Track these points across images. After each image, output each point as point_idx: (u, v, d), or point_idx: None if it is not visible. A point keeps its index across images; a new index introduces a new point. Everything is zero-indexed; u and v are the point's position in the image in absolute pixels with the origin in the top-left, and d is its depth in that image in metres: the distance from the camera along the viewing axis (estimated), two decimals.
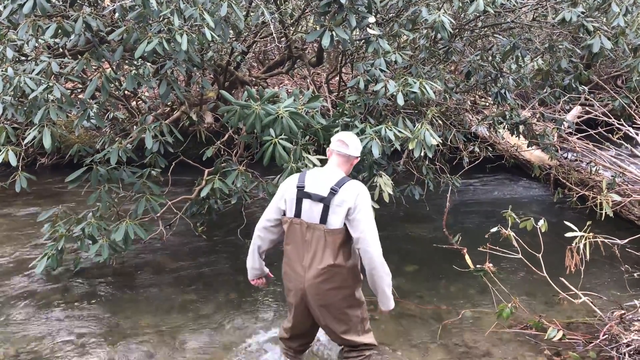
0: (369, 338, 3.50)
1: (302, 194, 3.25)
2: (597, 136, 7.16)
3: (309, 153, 4.23)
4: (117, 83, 5.03)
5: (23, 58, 4.49)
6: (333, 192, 3.18)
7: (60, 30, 3.90)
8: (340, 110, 4.71)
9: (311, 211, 3.23)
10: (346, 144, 3.33)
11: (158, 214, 4.99)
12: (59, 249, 4.76)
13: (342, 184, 3.20)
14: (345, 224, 3.19)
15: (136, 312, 4.51)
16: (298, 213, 3.26)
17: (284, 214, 3.33)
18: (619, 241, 4.11)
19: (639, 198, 5.79)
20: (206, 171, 5.24)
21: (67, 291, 4.82)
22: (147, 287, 4.95)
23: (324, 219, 3.20)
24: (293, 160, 4.05)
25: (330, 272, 3.22)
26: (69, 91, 4.57)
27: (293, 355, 3.68)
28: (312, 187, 3.24)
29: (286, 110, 3.75)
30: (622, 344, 3.88)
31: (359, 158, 3.49)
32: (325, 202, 3.18)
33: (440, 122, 5.61)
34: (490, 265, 4.15)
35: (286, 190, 3.32)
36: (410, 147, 4.33)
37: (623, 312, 4.20)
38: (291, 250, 3.34)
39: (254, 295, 4.82)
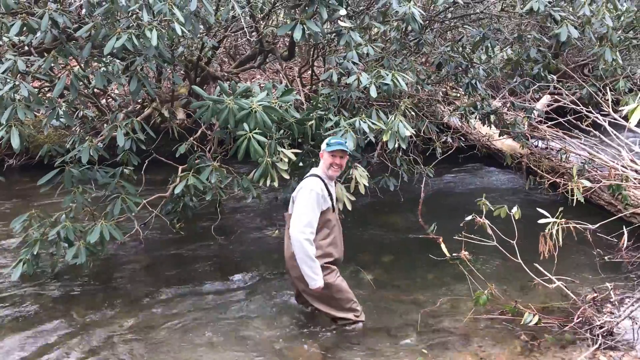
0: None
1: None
2: (566, 124, 7.28)
3: (284, 147, 4.22)
4: (86, 81, 4.94)
5: None
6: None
7: (25, 28, 3.81)
8: (314, 103, 4.71)
9: None
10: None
11: (134, 214, 4.92)
12: (34, 253, 4.67)
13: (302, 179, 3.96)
14: None
15: (114, 312, 4.45)
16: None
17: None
18: (590, 226, 4.18)
19: (608, 183, 5.92)
20: (180, 168, 5.19)
21: (45, 294, 4.72)
22: (125, 286, 4.89)
23: None
24: (268, 155, 4.04)
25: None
26: (36, 90, 4.47)
27: None
28: None
29: (260, 105, 3.73)
30: (595, 326, 3.97)
31: (322, 152, 4.03)
32: None
33: (413, 113, 5.65)
34: (466, 253, 4.21)
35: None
36: (385, 139, 4.36)
37: (595, 295, 4.30)
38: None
39: (232, 292, 4.80)
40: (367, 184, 4.93)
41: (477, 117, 6.70)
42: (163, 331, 4.20)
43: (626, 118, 4.00)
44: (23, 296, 4.68)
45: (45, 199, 6.53)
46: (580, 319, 4.05)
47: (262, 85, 4.28)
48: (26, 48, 4.43)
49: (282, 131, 4.46)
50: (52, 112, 4.28)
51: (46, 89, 5.38)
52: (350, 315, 4.08)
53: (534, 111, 7.06)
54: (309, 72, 6.92)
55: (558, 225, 3.94)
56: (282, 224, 6.19)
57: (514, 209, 4.17)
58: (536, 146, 7.71)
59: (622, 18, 6.24)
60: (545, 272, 4.14)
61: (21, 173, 7.75)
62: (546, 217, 3.97)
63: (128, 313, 4.45)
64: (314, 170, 4.09)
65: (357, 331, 4.11)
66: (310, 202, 3.84)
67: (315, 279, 3.84)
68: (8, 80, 3.83)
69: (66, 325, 4.29)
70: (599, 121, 6.66)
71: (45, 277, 4.95)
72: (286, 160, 4.36)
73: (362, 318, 4.14)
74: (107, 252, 5.25)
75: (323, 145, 4.06)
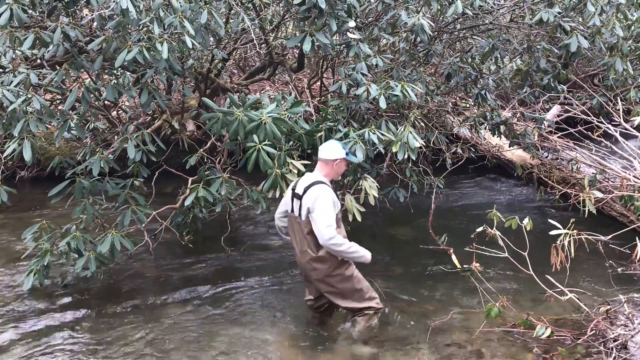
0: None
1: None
2: (577, 134, 7.24)
3: (293, 158, 4.23)
4: (97, 93, 4.98)
5: (0, 70, 4.42)
6: (305, 191, 3.97)
7: (38, 41, 3.86)
8: (323, 114, 4.71)
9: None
10: (320, 151, 4.07)
11: (144, 225, 4.93)
12: (45, 264, 4.68)
13: (312, 185, 3.96)
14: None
15: (125, 324, 4.45)
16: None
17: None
18: (602, 237, 4.15)
19: (620, 194, 5.86)
20: (190, 180, 5.20)
21: (55, 305, 4.73)
22: (135, 297, 4.89)
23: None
24: (277, 166, 4.04)
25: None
26: (48, 102, 4.51)
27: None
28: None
29: (269, 116, 3.75)
30: (609, 339, 3.92)
31: (339, 160, 4.06)
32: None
33: (422, 124, 5.64)
34: (477, 265, 4.17)
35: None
36: (394, 150, 4.35)
37: (609, 307, 4.24)
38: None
39: (242, 304, 4.79)
40: (376, 195, 4.92)
41: (487, 128, 6.68)
42: (174, 342, 4.19)
43: (638, 128, 3.98)
44: (33, 307, 4.69)
45: (56, 210, 6.59)
46: (594, 331, 4.00)
47: (271, 97, 4.30)
48: (38, 61, 4.48)
49: (291, 142, 4.47)
50: (63, 125, 4.32)
51: (58, 101, 5.42)
52: (372, 304, 4.21)
53: (544, 121, 7.03)
54: (318, 83, 6.94)
55: (570, 237, 3.90)
56: None
57: (525, 220, 4.13)
58: (547, 157, 7.66)
59: (632, 28, 6.20)
60: (558, 284, 4.10)
61: (33, 185, 7.80)
62: (558, 228, 3.93)
63: (138, 324, 4.45)
64: (316, 177, 4.04)
65: (380, 319, 4.30)
66: (331, 209, 3.93)
67: (364, 254, 4.04)
68: (21, 93, 3.87)
69: (76, 336, 4.29)
70: (610, 131, 6.61)
71: (55, 288, 4.97)
72: (295, 171, 4.36)
73: (382, 305, 4.30)
74: (117, 263, 5.25)
75: (340, 153, 4.03)
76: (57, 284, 5.02)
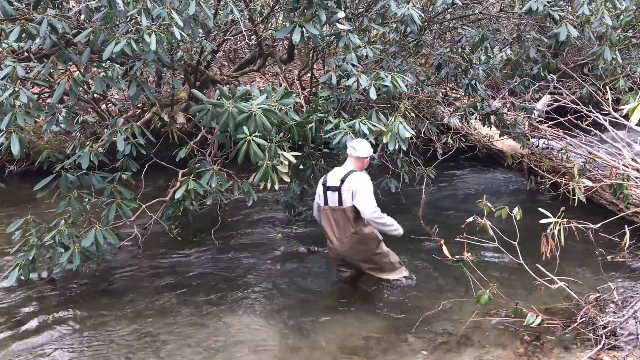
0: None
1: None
2: (567, 123, 7.27)
3: (284, 150, 4.21)
4: (85, 86, 4.94)
5: None
6: (342, 181, 4.47)
7: (24, 34, 3.81)
8: (314, 106, 4.70)
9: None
10: (353, 149, 4.44)
11: (132, 219, 4.91)
12: (30, 258, 4.66)
13: (348, 175, 4.46)
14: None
15: (115, 317, 4.44)
16: None
17: None
18: (592, 225, 4.17)
19: (610, 183, 5.90)
20: (180, 172, 5.18)
21: (42, 299, 4.72)
22: (125, 291, 4.88)
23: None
24: (268, 158, 4.03)
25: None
26: (36, 96, 4.47)
27: None
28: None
29: (259, 108, 3.73)
30: (598, 326, 3.95)
31: (369, 157, 4.53)
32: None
33: (413, 114, 5.64)
34: (469, 254, 4.19)
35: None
36: (385, 141, 4.35)
37: (598, 295, 4.28)
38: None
39: (231, 296, 4.79)
40: None
41: (477, 118, 6.70)
42: (162, 335, 4.19)
43: (627, 117, 3.99)
44: (18, 302, 4.68)
45: (45, 205, 6.55)
46: (584, 319, 4.04)
47: (261, 88, 4.27)
48: (25, 54, 4.43)
49: (282, 134, 4.46)
50: (52, 118, 4.28)
51: (46, 94, 5.38)
52: (404, 273, 4.86)
53: (534, 111, 7.05)
54: (309, 74, 6.92)
55: (560, 225, 3.92)
56: (284, 226, 6.22)
57: (515, 210, 4.15)
58: (537, 146, 7.70)
59: (621, 17, 6.23)
60: (548, 273, 4.12)
61: (22, 179, 7.76)
62: (548, 217, 3.95)
63: (126, 318, 4.44)
64: (349, 169, 4.51)
65: (409, 286, 4.84)
66: (371, 189, 4.48)
67: (399, 228, 4.59)
68: (7, 86, 3.83)
69: (62, 330, 4.28)
70: (599, 120, 6.64)
71: (41, 282, 4.95)
72: (286, 163, 4.34)
73: (408, 273, 4.92)
74: (104, 257, 5.23)
75: (370, 151, 4.51)
76: (44, 278, 5.00)
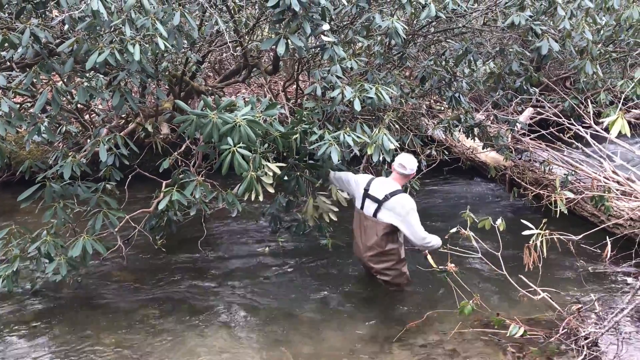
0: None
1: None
2: (549, 136, 7.36)
3: (269, 161, 4.21)
4: (68, 96, 4.90)
5: None
6: (386, 197, 4.62)
7: (6, 43, 3.78)
8: (299, 117, 4.71)
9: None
10: (401, 165, 4.70)
11: (116, 229, 4.86)
12: (14, 270, 4.59)
13: (395, 194, 4.62)
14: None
15: (96, 330, 4.39)
16: None
17: None
18: (573, 237, 4.21)
19: (591, 195, 5.97)
20: (164, 183, 5.15)
21: (24, 311, 4.65)
22: (107, 303, 4.83)
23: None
24: (252, 169, 4.02)
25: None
26: (18, 105, 4.43)
27: None
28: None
29: (244, 118, 3.72)
30: (580, 337, 3.98)
31: (414, 173, 4.84)
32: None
33: (397, 126, 5.67)
34: (452, 265, 4.21)
35: None
36: (369, 152, 4.37)
37: (580, 305, 4.32)
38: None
39: (215, 307, 4.76)
40: (346, 197, 5.01)
41: (461, 130, 6.74)
42: (147, 347, 4.15)
43: (607, 130, 4.05)
44: (1, 314, 4.60)
45: (27, 215, 6.46)
46: (566, 330, 4.07)
47: (246, 99, 4.27)
48: (7, 63, 4.39)
49: (266, 145, 4.45)
50: (33, 128, 4.24)
51: (28, 104, 5.33)
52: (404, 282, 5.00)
53: (517, 124, 7.13)
54: (294, 86, 6.93)
55: (542, 237, 3.96)
56: (269, 238, 6.19)
57: (498, 221, 4.19)
58: (519, 158, 7.77)
59: (601, 32, 6.34)
60: (530, 284, 4.15)
61: (3, 189, 7.64)
62: (530, 228, 3.99)
63: (110, 330, 4.39)
64: (395, 186, 4.70)
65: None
66: (418, 217, 4.66)
67: (437, 244, 4.69)
68: None
69: (47, 343, 4.22)
70: (581, 133, 6.73)
71: (25, 295, 4.88)
72: (271, 174, 4.34)
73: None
74: (88, 269, 5.18)
75: (415, 165, 4.77)
76: (27, 290, 4.92)
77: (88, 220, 4.79)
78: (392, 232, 4.71)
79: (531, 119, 8.36)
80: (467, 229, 4.16)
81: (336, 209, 5.00)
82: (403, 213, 4.60)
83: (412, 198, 4.69)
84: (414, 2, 4.56)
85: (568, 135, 6.93)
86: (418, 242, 4.62)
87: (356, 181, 4.86)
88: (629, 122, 4.71)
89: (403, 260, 4.87)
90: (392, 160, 4.78)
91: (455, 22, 5.98)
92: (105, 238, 4.86)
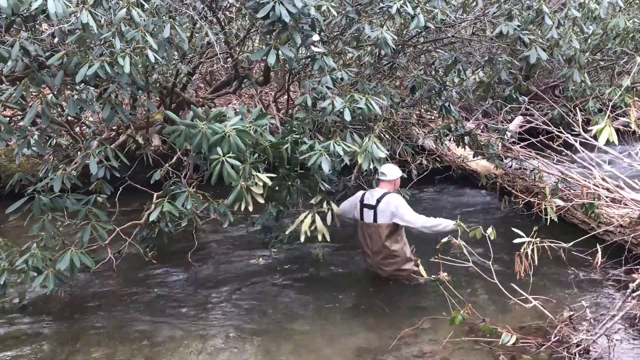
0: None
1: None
2: (539, 144, 7.40)
3: (259, 171, 4.21)
4: (59, 108, 4.88)
5: None
6: (378, 201, 5.07)
7: None
8: (289, 127, 4.72)
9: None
10: (383, 174, 5.16)
11: (106, 242, 4.83)
12: (2, 283, 4.54)
13: (383, 196, 5.07)
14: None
15: (87, 344, 4.36)
16: None
17: None
18: (564, 244, 4.23)
19: (581, 202, 6.00)
20: (155, 195, 5.13)
21: (13, 326, 4.61)
22: (98, 317, 4.79)
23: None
24: (242, 179, 4.02)
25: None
26: (7, 119, 4.41)
27: None
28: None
29: (233, 129, 3.72)
30: (572, 344, 3.99)
31: (399, 178, 5.26)
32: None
33: (388, 136, 5.69)
34: (445, 274, 4.21)
35: None
36: (359, 161, 4.38)
37: (572, 313, 4.32)
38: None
39: (207, 320, 4.74)
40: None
41: (452, 139, 6.78)
42: None
43: (596, 137, 4.09)
44: None
45: (17, 229, 6.42)
46: (557, 337, 4.07)
47: (236, 109, 4.28)
48: None
49: (256, 155, 4.45)
50: (23, 141, 4.22)
51: (18, 117, 5.31)
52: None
53: (507, 132, 7.17)
54: (285, 96, 6.95)
55: (533, 245, 3.97)
56: (260, 249, 6.17)
57: (489, 230, 4.20)
58: (510, 166, 7.81)
59: (589, 41, 6.40)
60: (522, 292, 4.16)
61: None
62: (521, 236, 4.00)
63: (101, 345, 4.36)
64: (384, 189, 5.16)
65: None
66: (408, 205, 5.10)
67: (449, 223, 4.96)
68: None
69: (32, 357, 4.17)
70: (570, 141, 6.78)
71: (13, 309, 4.83)
72: (261, 184, 4.34)
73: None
74: (78, 282, 5.14)
75: (399, 173, 5.26)
76: (15, 304, 4.88)
77: (77, 232, 4.77)
78: (394, 232, 5.09)
79: (521, 127, 8.41)
80: (459, 238, 4.17)
81: (327, 234, 4.97)
82: (393, 209, 5.02)
83: (399, 196, 5.12)
84: (403, 13, 4.58)
85: (557, 143, 6.98)
86: (424, 229, 4.99)
87: (351, 201, 5.34)
88: (617, 130, 4.76)
89: (410, 260, 5.17)
90: None
91: (444, 32, 6.02)
92: (95, 251, 4.83)
